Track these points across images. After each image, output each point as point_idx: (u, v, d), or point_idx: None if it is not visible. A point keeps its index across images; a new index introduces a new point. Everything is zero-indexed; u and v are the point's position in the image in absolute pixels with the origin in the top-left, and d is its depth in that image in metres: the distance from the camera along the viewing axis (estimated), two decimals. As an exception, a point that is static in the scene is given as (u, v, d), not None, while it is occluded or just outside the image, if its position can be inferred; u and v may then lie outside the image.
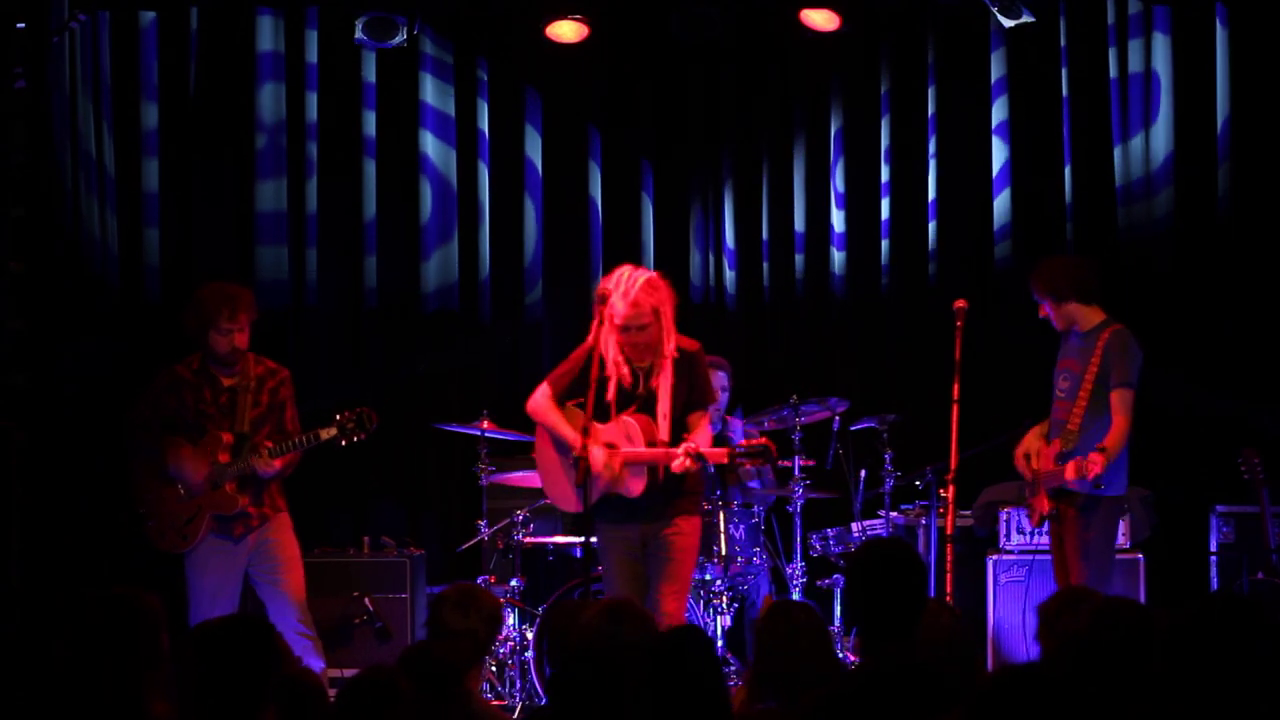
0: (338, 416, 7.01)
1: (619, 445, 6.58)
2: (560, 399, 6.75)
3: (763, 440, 6.60)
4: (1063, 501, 7.15)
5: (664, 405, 6.60)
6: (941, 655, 4.40)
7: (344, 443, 7.01)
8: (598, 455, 6.52)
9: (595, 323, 6.62)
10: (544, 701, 7.52)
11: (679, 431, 6.63)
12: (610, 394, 6.61)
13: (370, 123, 9.59)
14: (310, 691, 4.02)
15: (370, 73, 9.56)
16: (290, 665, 4.18)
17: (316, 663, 7.04)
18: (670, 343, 6.62)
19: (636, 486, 6.56)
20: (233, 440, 7.04)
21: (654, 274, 6.68)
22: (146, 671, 4.10)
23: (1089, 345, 7.17)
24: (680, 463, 6.48)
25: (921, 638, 4.25)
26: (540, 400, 6.78)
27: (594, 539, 6.80)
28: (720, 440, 8.50)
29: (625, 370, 6.63)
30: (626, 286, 6.56)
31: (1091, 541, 7.12)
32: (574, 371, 6.72)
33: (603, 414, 6.63)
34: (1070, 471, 6.93)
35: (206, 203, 9.42)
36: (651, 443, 6.57)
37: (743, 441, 6.64)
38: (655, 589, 6.57)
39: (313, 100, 9.51)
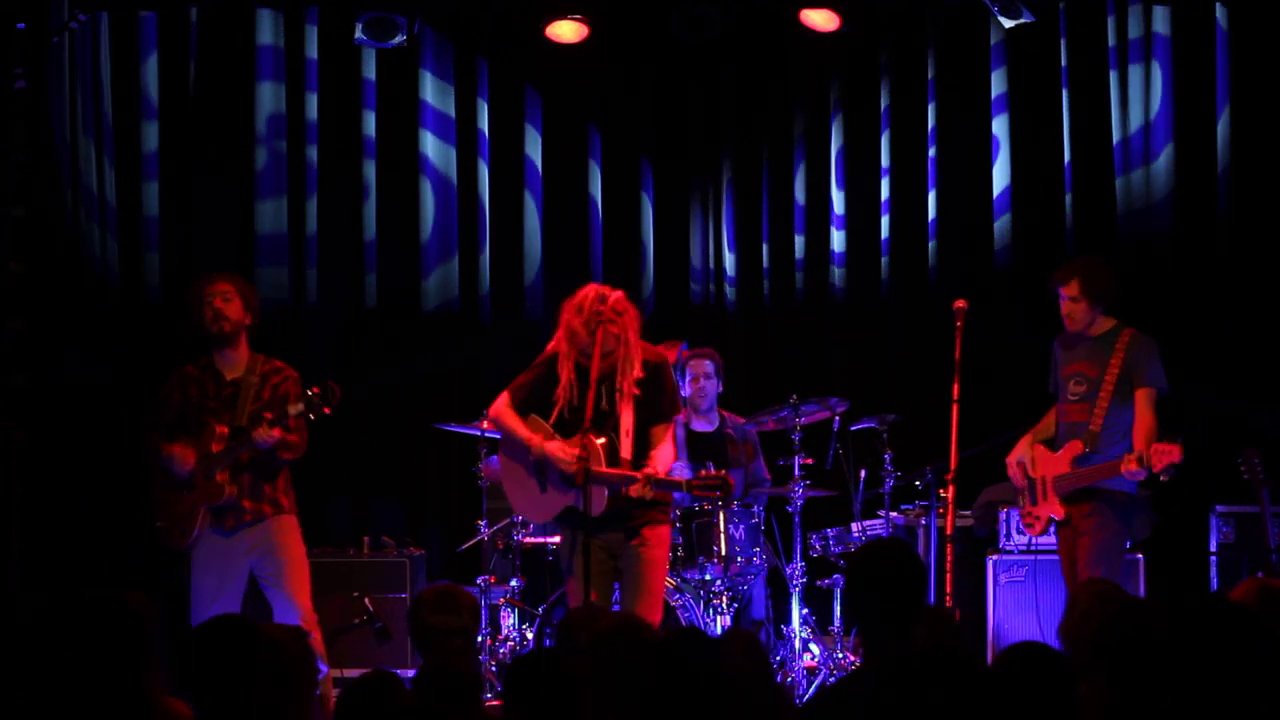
0: (307, 391, 6.98)
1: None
2: (519, 408, 6.68)
3: (720, 474, 6.48)
4: (1078, 504, 7.17)
5: (626, 422, 6.52)
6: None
7: (313, 416, 6.96)
8: (554, 448, 6.49)
9: (560, 333, 6.55)
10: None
11: (641, 447, 6.55)
12: (567, 413, 6.52)
13: (370, 123, 9.60)
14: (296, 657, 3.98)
15: (370, 73, 9.57)
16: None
17: (320, 667, 7.01)
18: (635, 364, 6.51)
19: (598, 506, 6.47)
20: (228, 432, 7.01)
21: (617, 296, 6.51)
22: (146, 672, 4.09)
23: (1104, 348, 7.25)
24: (637, 488, 6.41)
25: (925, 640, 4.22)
26: (501, 408, 6.73)
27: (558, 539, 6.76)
28: (716, 436, 8.52)
29: (576, 394, 6.53)
30: (588, 316, 6.44)
31: (1106, 542, 7.15)
32: (533, 382, 6.66)
33: (563, 430, 6.55)
34: (1135, 463, 6.96)
35: (206, 211, 9.44)
36: (614, 461, 6.50)
37: (701, 473, 6.56)
38: (627, 604, 6.50)
39: (313, 101, 9.52)
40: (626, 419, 6.53)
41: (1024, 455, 7.38)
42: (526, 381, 6.71)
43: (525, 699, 3.75)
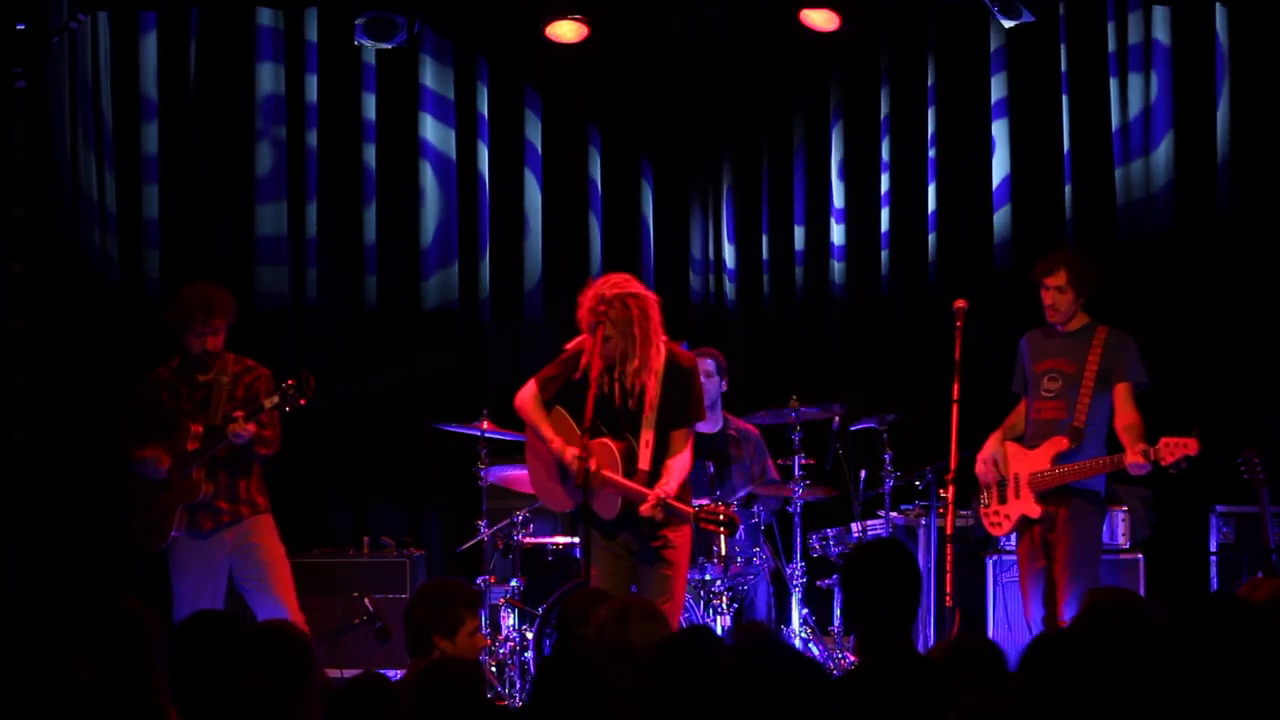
0: (281, 385, 6.97)
1: (601, 466, 6.47)
2: (546, 401, 6.66)
3: (729, 510, 6.54)
4: (1054, 503, 7.12)
5: (647, 433, 6.47)
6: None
7: (288, 409, 6.95)
8: (568, 455, 6.46)
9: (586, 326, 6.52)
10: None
11: (660, 454, 6.50)
12: (590, 411, 6.41)
13: (370, 121, 9.59)
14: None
15: (370, 73, 9.56)
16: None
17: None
18: (634, 359, 6.43)
19: (611, 510, 6.47)
20: (202, 431, 7.00)
21: (619, 291, 6.42)
22: (151, 677, 4.09)
23: (1079, 344, 7.20)
24: (647, 507, 6.37)
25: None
26: (526, 398, 6.70)
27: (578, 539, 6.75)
28: (719, 437, 8.51)
29: (608, 381, 6.49)
30: (586, 309, 6.39)
31: (1090, 546, 7.11)
32: (562, 375, 6.62)
33: (588, 430, 6.46)
34: (1140, 456, 6.84)
35: (205, 209, 9.45)
36: (630, 471, 6.45)
37: (710, 506, 6.58)
38: None
39: (313, 101, 9.51)
40: (647, 430, 6.47)
41: (995, 452, 7.30)
42: (553, 375, 6.66)
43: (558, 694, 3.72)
